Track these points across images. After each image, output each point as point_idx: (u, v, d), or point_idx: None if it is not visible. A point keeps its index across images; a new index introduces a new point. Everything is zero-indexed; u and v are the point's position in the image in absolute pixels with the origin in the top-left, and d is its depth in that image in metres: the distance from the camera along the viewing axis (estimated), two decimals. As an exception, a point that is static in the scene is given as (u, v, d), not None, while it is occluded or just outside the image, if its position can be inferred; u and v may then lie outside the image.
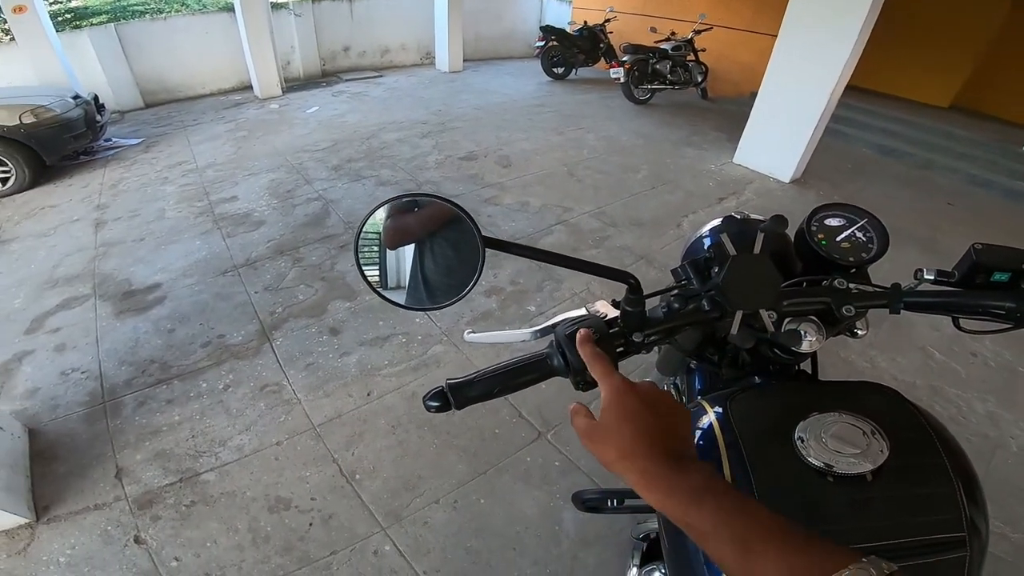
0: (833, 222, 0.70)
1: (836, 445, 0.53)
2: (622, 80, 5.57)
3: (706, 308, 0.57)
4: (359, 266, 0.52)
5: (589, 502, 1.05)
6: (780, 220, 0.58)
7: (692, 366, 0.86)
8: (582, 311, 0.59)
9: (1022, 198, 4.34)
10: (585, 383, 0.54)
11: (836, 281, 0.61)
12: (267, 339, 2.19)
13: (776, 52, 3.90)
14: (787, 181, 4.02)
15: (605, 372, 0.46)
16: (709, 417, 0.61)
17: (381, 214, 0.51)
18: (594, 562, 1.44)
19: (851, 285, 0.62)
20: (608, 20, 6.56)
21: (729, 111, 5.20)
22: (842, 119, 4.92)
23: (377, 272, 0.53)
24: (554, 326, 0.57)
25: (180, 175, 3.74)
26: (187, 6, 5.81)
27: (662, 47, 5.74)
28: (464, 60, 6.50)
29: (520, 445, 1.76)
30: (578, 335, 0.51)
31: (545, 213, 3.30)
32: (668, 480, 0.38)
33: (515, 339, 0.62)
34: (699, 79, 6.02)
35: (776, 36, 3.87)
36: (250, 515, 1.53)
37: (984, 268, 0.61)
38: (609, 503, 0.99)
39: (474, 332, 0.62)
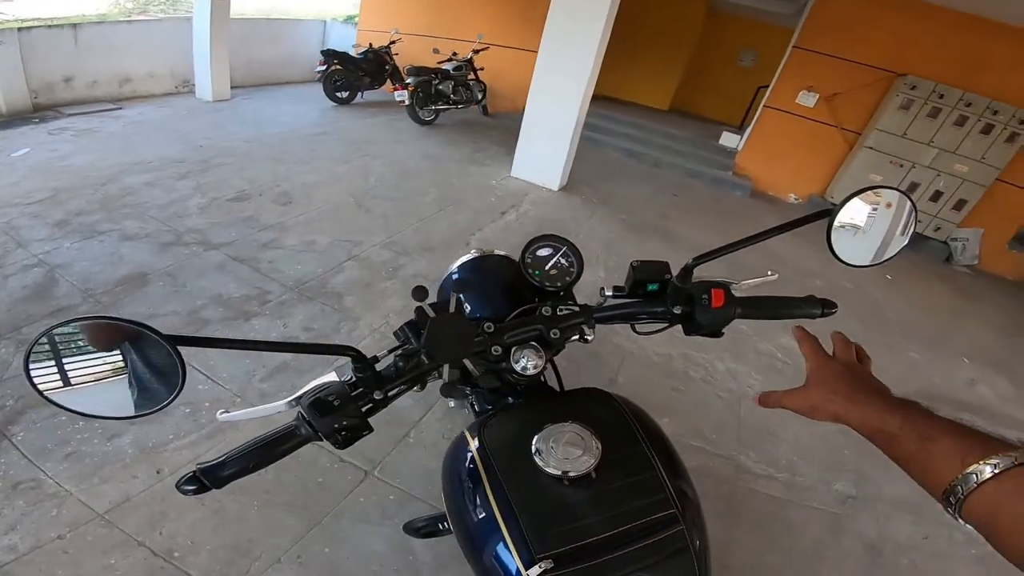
0: (543, 252, 0.83)
1: (563, 452, 0.64)
2: (407, 102, 5.71)
3: (425, 363, 0.67)
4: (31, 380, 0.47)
5: (423, 529, 1.08)
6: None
7: (467, 392, 0.94)
8: (331, 376, 0.63)
9: (722, 183, 5.80)
10: (342, 441, 0.60)
11: (543, 309, 0.75)
12: (3, 435, 1.76)
13: (536, 69, 4.29)
14: (556, 189, 4.60)
15: (811, 352, 0.64)
16: (471, 451, 0.70)
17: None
18: (457, 580, 1.47)
19: (559, 308, 0.75)
20: (393, 42, 6.59)
21: (508, 126, 5.74)
22: (594, 127, 5.84)
23: (59, 381, 0.48)
24: (301, 396, 0.60)
25: None
26: None
27: (444, 67, 6.05)
28: (233, 87, 5.85)
29: (349, 488, 1.72)
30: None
31: (334, 250, 3.21)
32: (872, 404, 0.53)
33: (270, 412, 0.62)
34: (479, 97, 6.52)
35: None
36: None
37: (641, 281, 0.76)
38: (441, 525, 1.03)
39: (227, 412, 0.60)
